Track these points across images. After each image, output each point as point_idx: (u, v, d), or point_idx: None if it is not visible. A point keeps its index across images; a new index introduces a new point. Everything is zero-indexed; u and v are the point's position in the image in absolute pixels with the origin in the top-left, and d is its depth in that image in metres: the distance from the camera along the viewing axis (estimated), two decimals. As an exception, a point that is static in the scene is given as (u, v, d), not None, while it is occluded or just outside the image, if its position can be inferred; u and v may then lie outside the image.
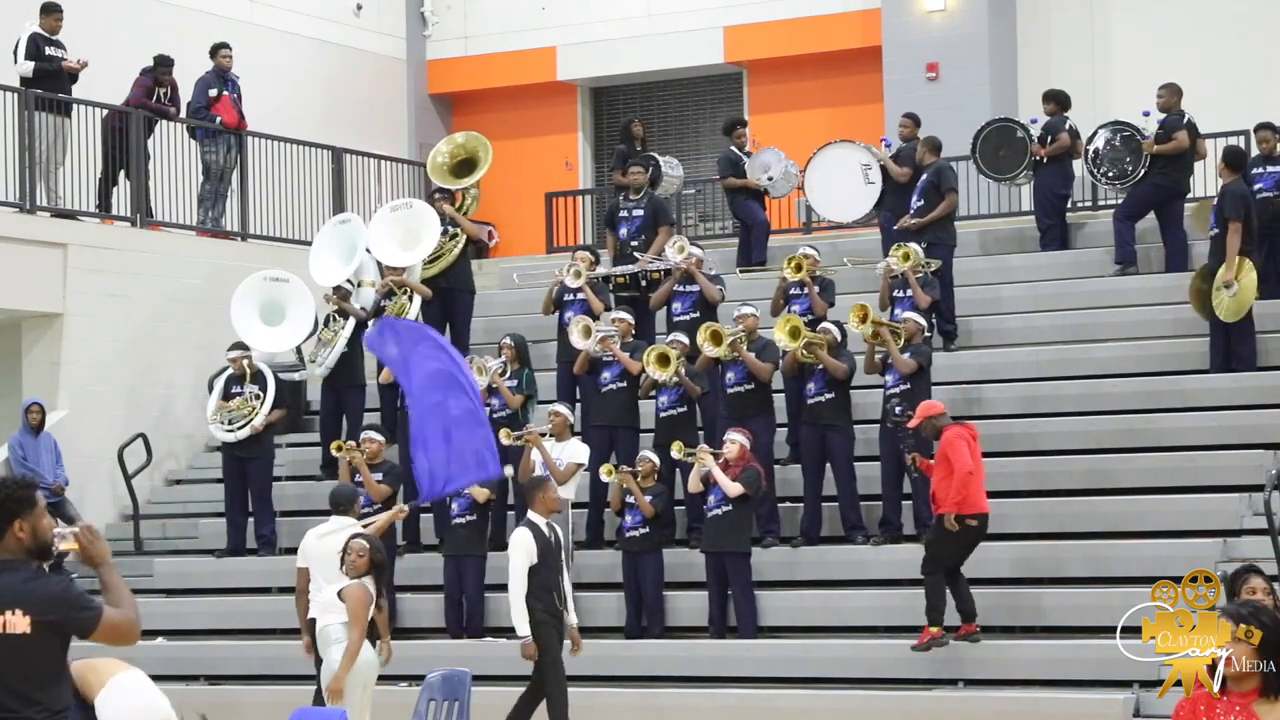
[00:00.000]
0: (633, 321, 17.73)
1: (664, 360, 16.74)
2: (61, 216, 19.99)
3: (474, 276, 20.21)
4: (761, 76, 25.09)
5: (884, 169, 19.53)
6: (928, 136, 19.04)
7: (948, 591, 14.74)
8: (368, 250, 19.40)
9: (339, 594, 12.31)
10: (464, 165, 20.09)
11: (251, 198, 21.85)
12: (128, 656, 7.70)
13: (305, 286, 19.12)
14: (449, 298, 19.46)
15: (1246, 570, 9.55)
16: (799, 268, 17.50)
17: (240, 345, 18.77)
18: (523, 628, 13.45)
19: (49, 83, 19.75)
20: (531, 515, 13.68)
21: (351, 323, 18.86)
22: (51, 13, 19.90)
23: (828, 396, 16.47)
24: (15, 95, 19.56)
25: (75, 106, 20.13)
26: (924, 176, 18.55)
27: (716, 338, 16.67)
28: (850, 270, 18.79)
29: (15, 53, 19.69)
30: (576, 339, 17.41)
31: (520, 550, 13.48)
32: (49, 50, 19.85)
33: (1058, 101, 19.46)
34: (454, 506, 16.85)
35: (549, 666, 13.57)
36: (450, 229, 19.37)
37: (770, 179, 20.24)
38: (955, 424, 14.82)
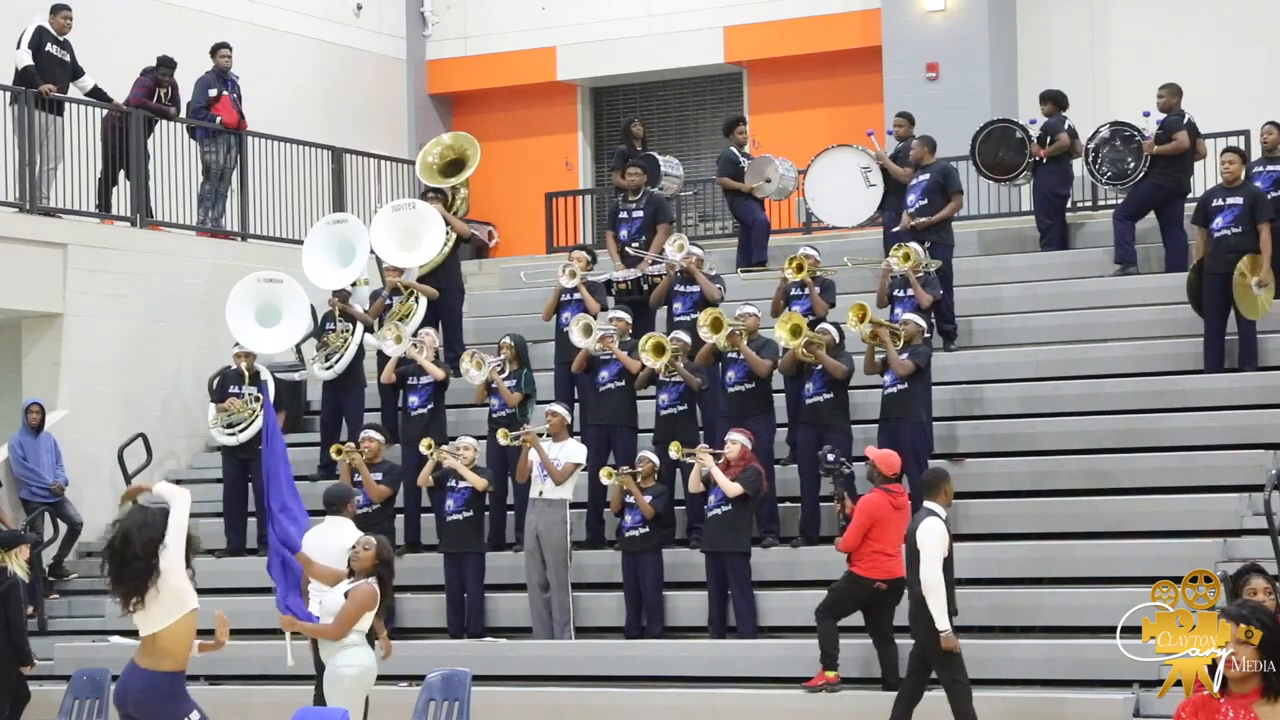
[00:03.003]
0: (630, 321, 17.75)
1: (659, 349, 16.74)
2: (61, 216, 20.00)
3: (464, 276, 20.25)
4: (761, 76, 25.09)
5: (884, 169, 19.53)
6: (924, 135, 19.01)
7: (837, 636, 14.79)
8: (371, 252, 19.42)
9: (345, 594, 12.15)
10: (453, 165, 20.12)
11: (251, 198, 21.86)
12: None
13: (299, 286, 19.12)
14: (439, 296, 19.48)
15: (1248, 570, 9.56)
16: (800, 268, 17.51)
17: None
18: (944, 621, 13.23)
19: (43, 72, 19.74)
20: (934, 506, 13.43)
21: (360, 327, 18.89)
22: (59, 12, 19.97)
23: (826, 397, 16.48)
24: (15, 95, 19.57)
25: (72, 106, 20.14)
26: (927, 176, 18.51)
27: (717, 324, 16.67)
28: (851, 270, 18.79)
29: (20, 40, 19.73)
30: (577, 337, 17.41)
31: (936, 540, 13.22)
32: (51, 49, 19.87)
33: (1055, 102, 19.47)
34: (450, 503, 16.86)
35: (960, 666, 13.38)
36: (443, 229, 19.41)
37: (768, 181, 20.24)
38: (884, 489, 14.72)
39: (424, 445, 17.02)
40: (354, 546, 12.20)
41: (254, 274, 19.18)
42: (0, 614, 15.18)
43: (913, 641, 13.82)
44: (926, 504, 13.53)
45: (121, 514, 9.64)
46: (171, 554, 9.37)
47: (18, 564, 15.55)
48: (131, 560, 9.35)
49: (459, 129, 23.79)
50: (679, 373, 16.76)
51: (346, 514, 14.19)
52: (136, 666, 9.59)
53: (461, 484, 16.82)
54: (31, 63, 19.68)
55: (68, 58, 20.12)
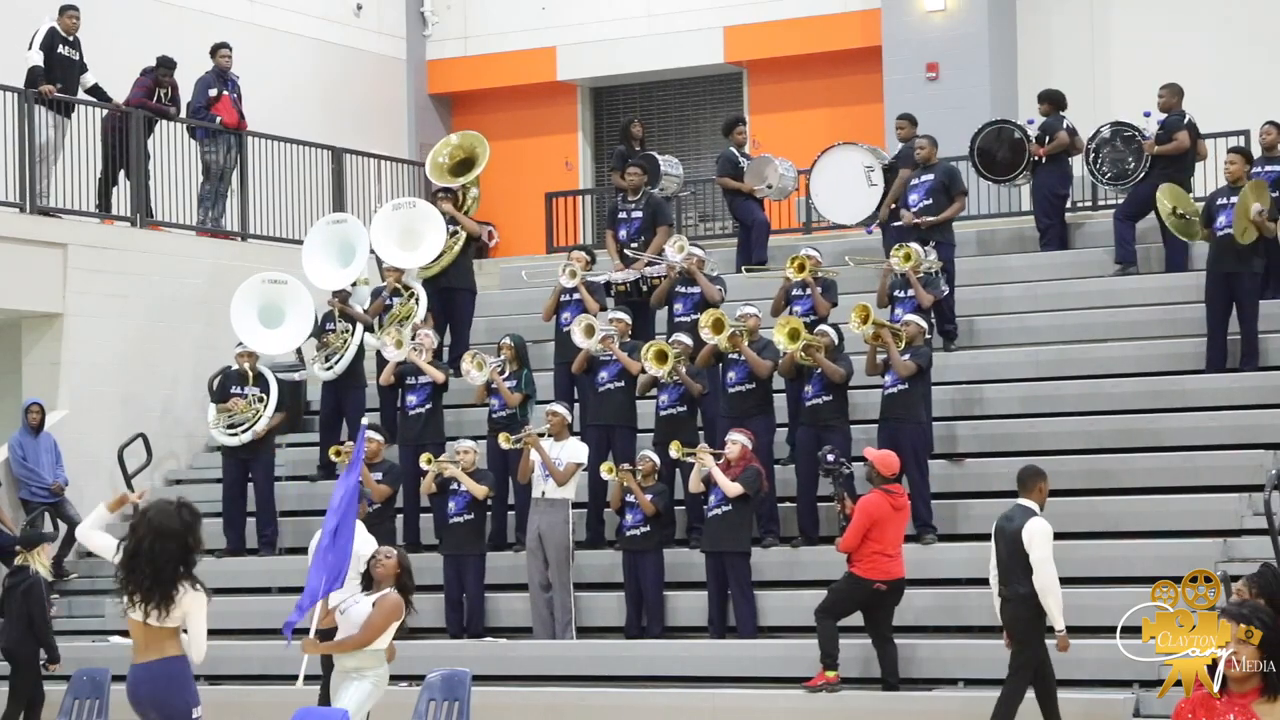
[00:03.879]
0: (630, 321, 17.75)
1: (661, 356, 16.75)
2: (61, 216, 20.00)
3: (475, 276, 20.25)
4: (761, 76, 25.09)
5: (888, 169, 19.50)
6: (929, 135, 18.98)
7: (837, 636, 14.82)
8: (371, 252, 19.42)
9: (373, 603, 12.06)
10: (463, 164, 20.12)
11: (251, 198, 21.86)
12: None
13: (303, 288, 19.13)
14: (450, 297, 19.52)
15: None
16: (801, 267, 17.51)
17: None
18: (1061, 621, 13.13)
19: (54, 74, 19.79)
20: (1029, 503, 13.32)
21: (359, 327, 18.89)
22: (67, 12, 20.01)
23: (825, 399, 16.48)
24: (16, 95, 19.59)
25: (76, 106, 20.15)
26: (931, 176, 18.49)
27: (719, 325, 16.68)
28: (852, 270, 18.80)
29: (32, 41, 19.77)
30: (579, 338, 17.40)
31: (1045, 539, 13.11)
32: (61, 49, 19.92)
33: (1052, 102, 19.47)
34: (451, 505, 16.87)
35: (1031, 673, 13.30)
36: (452, 228, 19.41)
37: (769, 186, 20.25)
38: (884, 489, 14.73)
39: (423, 460, 17.01)
40: (374, 555, 12.21)
41: (259, 275, 19.19)
42: (23, 611, 15.33)
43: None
44: (1021, 502, 13.40)
45: (139, 515, 9.78)
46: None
47: (40, 562, 15.72)
48: (141, 568, 9.53)
49: (459, 129, 23.78)
50: (681, 379, 16.77)
51: (358, 515, 14.10)
52: (147, 663, 9.68)
53: (463, 486, 16.83)
54: (42, 64, 19.70)
55: (78, 57, 20.16)
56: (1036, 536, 13.11)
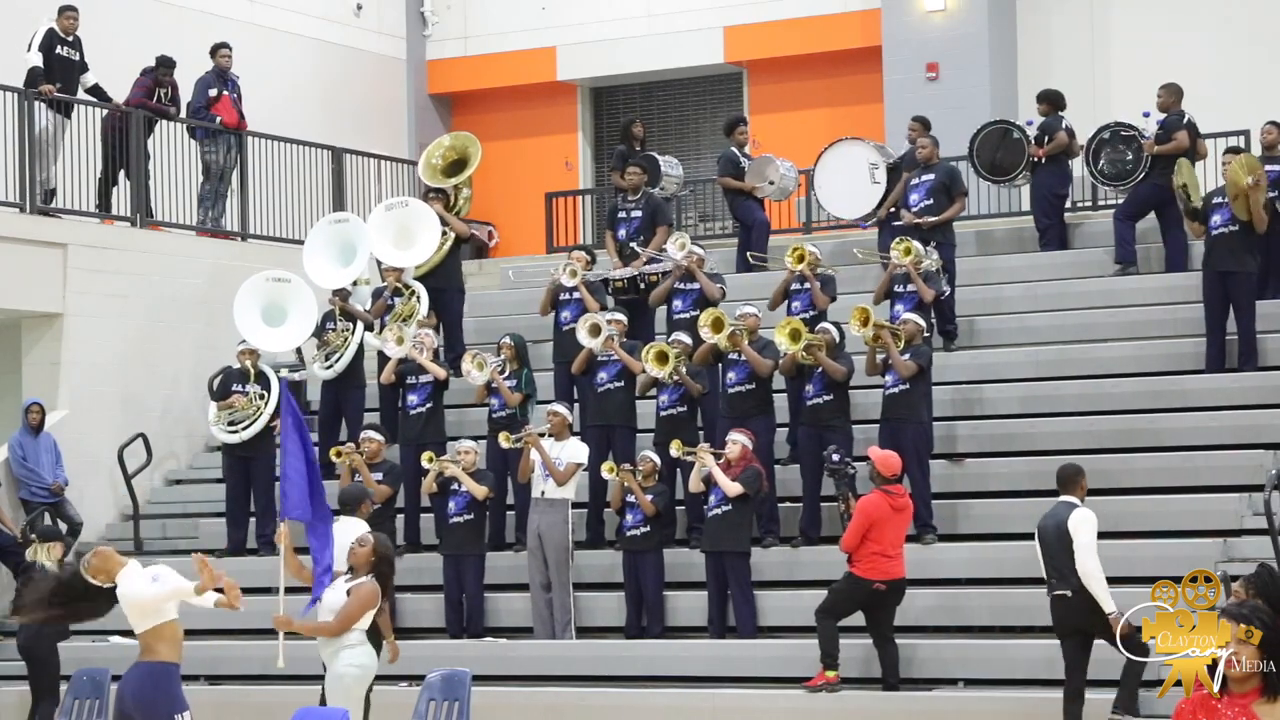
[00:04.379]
0: (625, 321, 17.76)
1: (662, 358, 16.76)
2: (61, 216, 20.00)
3: (465, 276, 20.25)
4: (761, 76, 25.08)
5: (893, 168, 19.49)
6: (930, 135, 18.98)
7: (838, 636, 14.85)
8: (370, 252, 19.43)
9: (348, 591, 12.08)
10: (456, 165, 20.14)
11: (251, 198, 21.86)
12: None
13: (307, 287, 19.13)
14: (438, 297, 19.47)
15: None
16: (801, 258, 17.50)
17: None
18: (1110, 603, 13.22)
19: (54, 74, 19.80)
20: (1070, 499, 13.49)
21: (360, 326, 18.89)
22: (65, 13, 20.01)
23: (826, 398, 16.48)
24: (16, 95, 19.59)
25: (76, 106, 20.15)
26: (932, 176, 18.50)
27: (718, 325, 16.70)
28: (851, 270, 18.80)
29: (31, 42, 19.78)
30: (584, 338, 17.39)
31: (1090, 527, 13.31)
32: (60, 50, 19.93)
33: (1050, 102, 19.47)
34: (451, 505, 16.87)
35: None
36: (441, 228, 19.40)
37: (771, 184, 20.25)
38: (883, 490, 14.75)
39: (425, 458, 17.02)
40: (353, 543, 12.23)
41: (262, 272, 19.20)
42: None
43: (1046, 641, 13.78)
44: (1064, 498, 13.54)
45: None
46: (142, 586, 10.28)
47: (49, 558, 15.76)
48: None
49: (459, 129, 23.78)
50: (682, 379, 16.77)
51: (360, 515, 14.12)
52: (138, 663, 9.79)
53: (464, 487, 16.84)
54: (41, 65, 19.71)
55: (78, 57, 20.16)
56: (1082, 524, 13.34)
